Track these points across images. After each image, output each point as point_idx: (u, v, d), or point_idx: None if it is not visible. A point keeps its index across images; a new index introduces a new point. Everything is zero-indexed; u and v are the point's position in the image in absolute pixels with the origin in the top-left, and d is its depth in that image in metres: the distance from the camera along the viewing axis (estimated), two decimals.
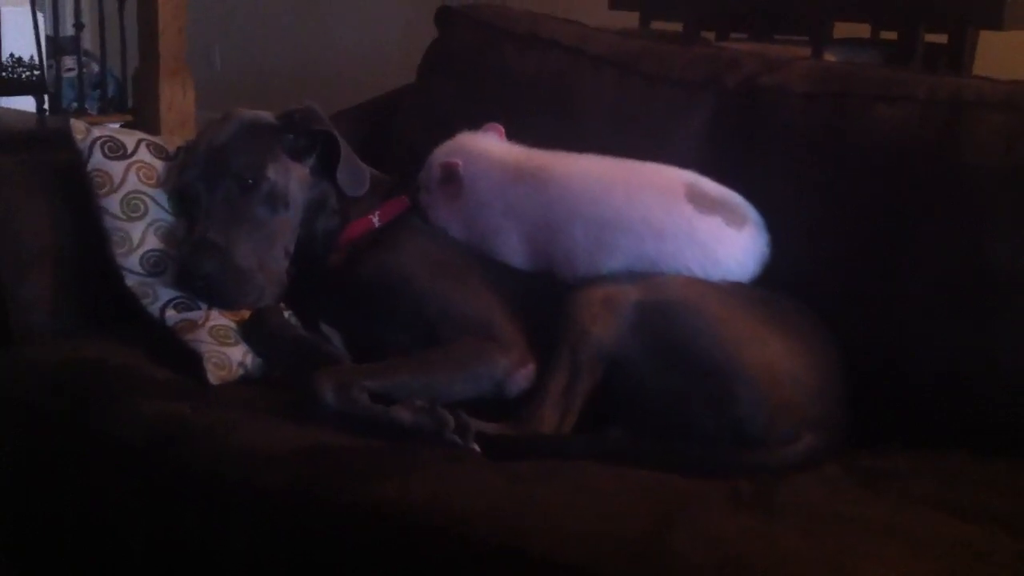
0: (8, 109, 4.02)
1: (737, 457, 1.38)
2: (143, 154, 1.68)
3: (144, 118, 3.66)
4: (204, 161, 1.63)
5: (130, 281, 1.61)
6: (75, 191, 1.68)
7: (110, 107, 4.10)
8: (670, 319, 1.50)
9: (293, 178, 1.66)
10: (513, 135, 1.79)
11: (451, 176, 1.71)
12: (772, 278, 1.62)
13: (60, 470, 1.50)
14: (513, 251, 1.70)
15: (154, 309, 1.59)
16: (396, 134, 2.03)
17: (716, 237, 1.61)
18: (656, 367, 1.48)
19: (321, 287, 1.68)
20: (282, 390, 1.50)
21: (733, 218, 1.63)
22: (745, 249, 1.63)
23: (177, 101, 3.63)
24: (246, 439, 1.35)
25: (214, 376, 1.50)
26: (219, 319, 1.57)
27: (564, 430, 1.47)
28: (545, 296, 1.62)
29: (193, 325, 1.55)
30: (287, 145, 1.67)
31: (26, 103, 4.13)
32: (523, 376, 1.52)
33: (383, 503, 1.25)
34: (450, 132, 1.80)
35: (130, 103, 3.94)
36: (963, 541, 1.15)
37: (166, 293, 1.59)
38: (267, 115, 1.70)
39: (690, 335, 1.48)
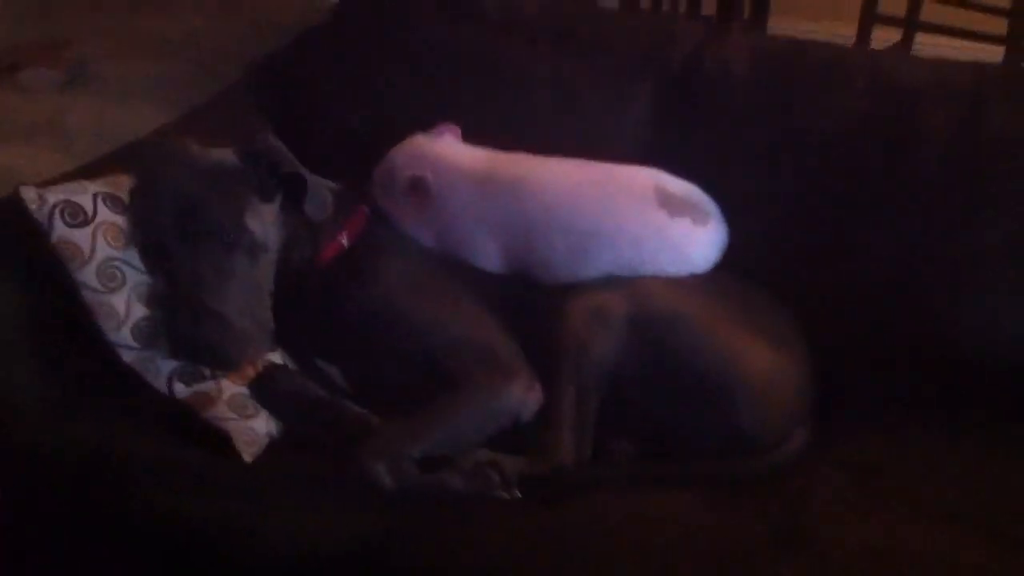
0: None
1: (743, 467, 1.55)
2: (104, 213, 1.58)
3: None
4: (176, 215, 1.55)
5: (127, 357, 1.56)
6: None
7: None
8: (663, 333, 1.61)
9: (268, 222, 1.62)
10: (450, 116, 1.80)
11: (420, 188, 1.72)
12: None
13: None
14: (488, 259, 1.75)
15: (159, 384, 1.56)
16: (323, 115, 1.96)
17: (686, 237, 1.72)
18: (655, 381, 1.60)
19: (307, 320, 1.68)
20: (312, 455, 1.54)
21: (699, 216, 1.73)
22: (710, 244, 1.75)
23: None
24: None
25: (248, 454, 1.52)
26: (231, 387, 1.57)
27: (583, 450, 1.59)
28: (521, 294, 1.71)
29: (209, 399, 1.54)
30: (255, 188, 1.62)
31: None
32: (534, 400, 1.59)
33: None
34: (383, 113, 1.79)
35: None
36: None
37: (166, 365, 1.56)
38: (228, 156, 1.62)
39: (685, 349, 1.60)
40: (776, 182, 1.78)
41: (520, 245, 1.73)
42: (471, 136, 1.80)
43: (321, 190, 1.70)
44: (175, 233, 1.56)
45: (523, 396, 1.59)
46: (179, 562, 1.46)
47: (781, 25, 3.49)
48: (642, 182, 1.73)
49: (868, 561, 1.36)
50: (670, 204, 1.71)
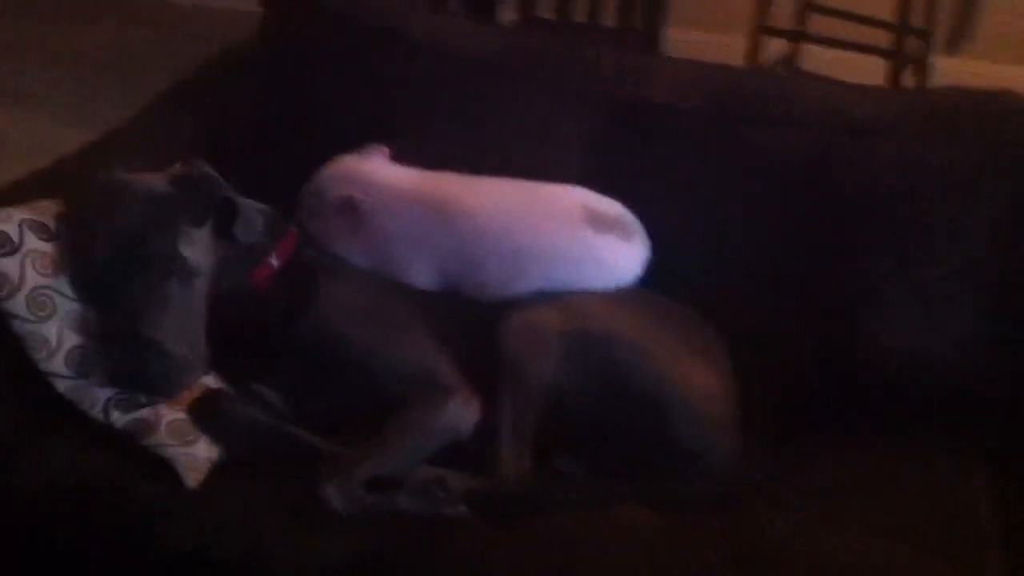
0: None
1: (688, 483, 1.60)
2: (31, 241, 1.55)
3: None
4: (111, 247, 1.54)
5: (62, 387, 1.53)
6: None
7: None
8: (599, 349, 1.64)
9: (201, 248, 1.61)
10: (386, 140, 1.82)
11: (350, 209, 1.73)
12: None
13: None
14: (420, 278, 1.77)
15: (96, 412, 1.54)
16: (251, 135, 1.96)
17: (612, 253, 1.77)
18: (593, 396, 1.64)
19: (242, 343, 1.67)
20: (260, 481, 1.54)
21: (624, 233, 1.78)
22: (635, 259, 1.80)
23: None
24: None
25: (191, 480, 1.51)
26: (169, 414, 1.55)
27: (524, 466, 1.62)
28: (456, 309, 1.74)
29: (149, 426, 1.53)
30: (188, 214, 1.60)
31: None
32: (472, 416, 1.62)
33: None
34: (309, 136, 1.79)
35: None
36: None
37: (102, 393, 1.54)
38: (159, 182, 1.61)
39: (621, 364, 1.63)
40: (711, 209, 1.83)
41: (451, 264, 1.75)
42: (406, 160, 1.81)
43: (252, 213, 1.70)
44: (109, 262, 1.54)
45: (461, 412, 1.61)
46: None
47: (674, 37, 3.60)
48: (569, 200, 1.77)
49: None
50: (596, 221, 1.76)
